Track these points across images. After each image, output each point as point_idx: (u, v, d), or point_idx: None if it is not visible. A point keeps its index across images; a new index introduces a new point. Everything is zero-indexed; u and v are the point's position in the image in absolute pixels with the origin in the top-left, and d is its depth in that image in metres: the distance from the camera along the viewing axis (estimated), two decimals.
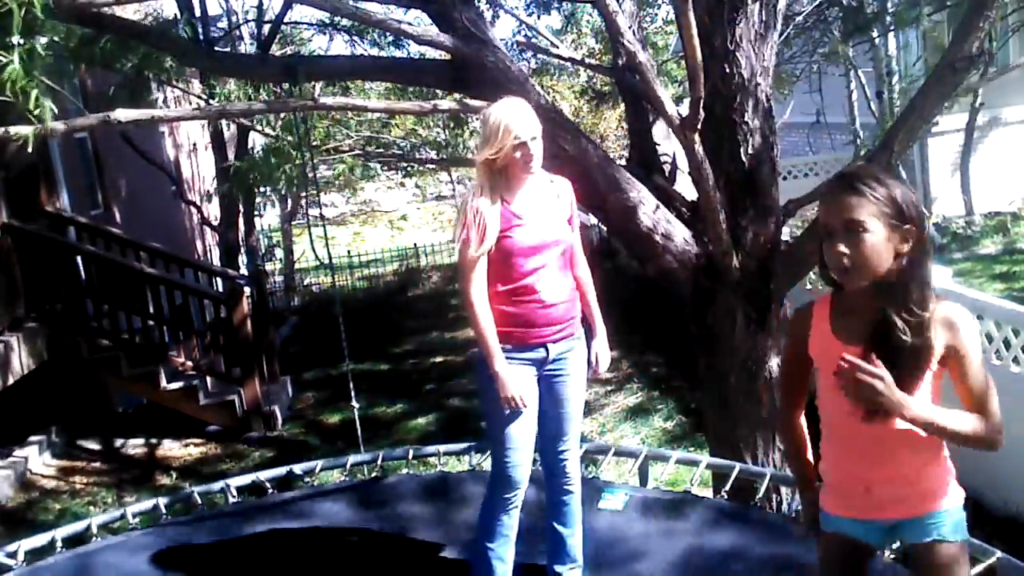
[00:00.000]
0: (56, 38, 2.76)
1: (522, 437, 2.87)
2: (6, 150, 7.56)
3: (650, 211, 4.10)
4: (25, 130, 3.04)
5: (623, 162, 4.67)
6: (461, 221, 2.79)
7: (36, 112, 2.84)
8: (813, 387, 2.14)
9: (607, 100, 13.90)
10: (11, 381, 7.01)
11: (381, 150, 8.73)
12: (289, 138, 5.29)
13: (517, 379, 2.80)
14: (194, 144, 14.31)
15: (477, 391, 2.90)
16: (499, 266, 2.81)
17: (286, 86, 5.37)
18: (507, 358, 2.79)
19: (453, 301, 14.25)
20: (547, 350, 2.87)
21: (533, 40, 9.89)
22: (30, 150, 3.13)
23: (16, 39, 2.75)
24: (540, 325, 2.85)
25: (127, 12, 4.90)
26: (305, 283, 17.44)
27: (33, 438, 7.96)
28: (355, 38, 10.70)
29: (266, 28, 10.64)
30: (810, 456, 2.28)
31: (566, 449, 3.00)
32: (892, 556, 2.90)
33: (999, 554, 2.85)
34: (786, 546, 3.09)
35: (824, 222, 1.93)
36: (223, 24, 11.29)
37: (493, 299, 2.82)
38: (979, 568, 2.81)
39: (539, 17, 11.58)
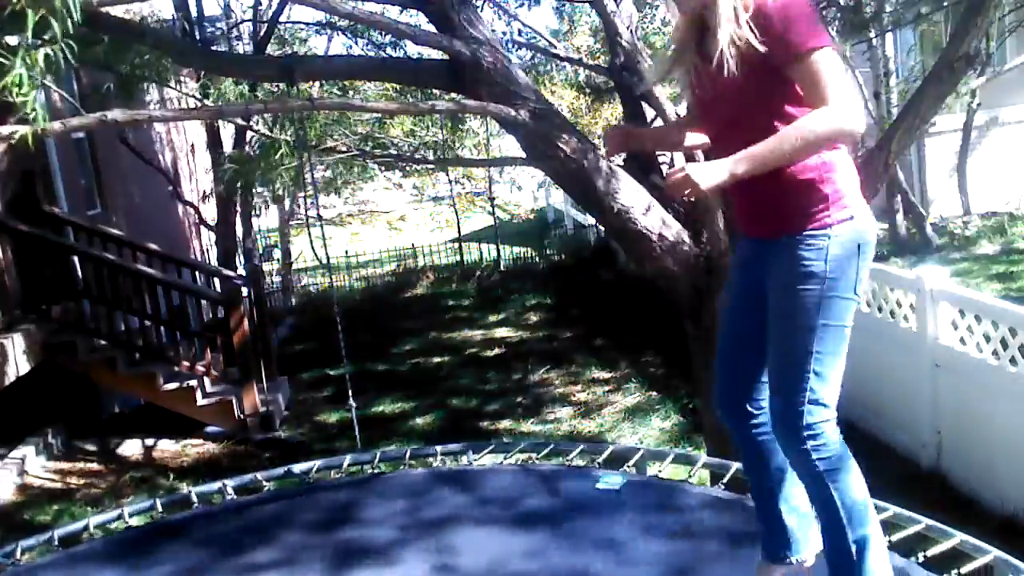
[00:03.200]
0: (68, 43, 2.73)
1: None
2: (3, 150, 7.56)
3: (648, 211, 4.11)
4: (22, 130, 3.04)
5: (621, 162, 4.67)
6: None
7: (32, 114, 2.84)
8: None
9: (604, 98, 13.90)
10: (8, 382, 6.99)
11: (379, 150, 8.73)
12: (284, 137, 5.29)
13: None
14: (192, 144, 14.31)
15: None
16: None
17: (283, 86, 5.36)
18: None
19: (451, 302, 14.25)
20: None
21: (532, 40, 9.90)
22: (31, 149, 3.13)
23: (19, 40, 2.75)
24: None
25: (118, 11, 4.89)
26: (303, 284, 17.44)
27: (30, 439, 7.95)
28: (353, 38, 10.71)
29: (263, 28, 10.70)
30: None
31: None
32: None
33: (995, 553, 2.86)
34: None
35: None
36: (221, 24, 11.30)
37: None
38: (975, 566, 2.82)
39: (529, 9, 11.60)
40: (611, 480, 3.62)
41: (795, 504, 2.48)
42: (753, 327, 2.33)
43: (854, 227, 2.20)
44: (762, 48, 2.07)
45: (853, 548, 2.27)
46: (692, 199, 2.04)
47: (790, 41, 2.04)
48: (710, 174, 2.04)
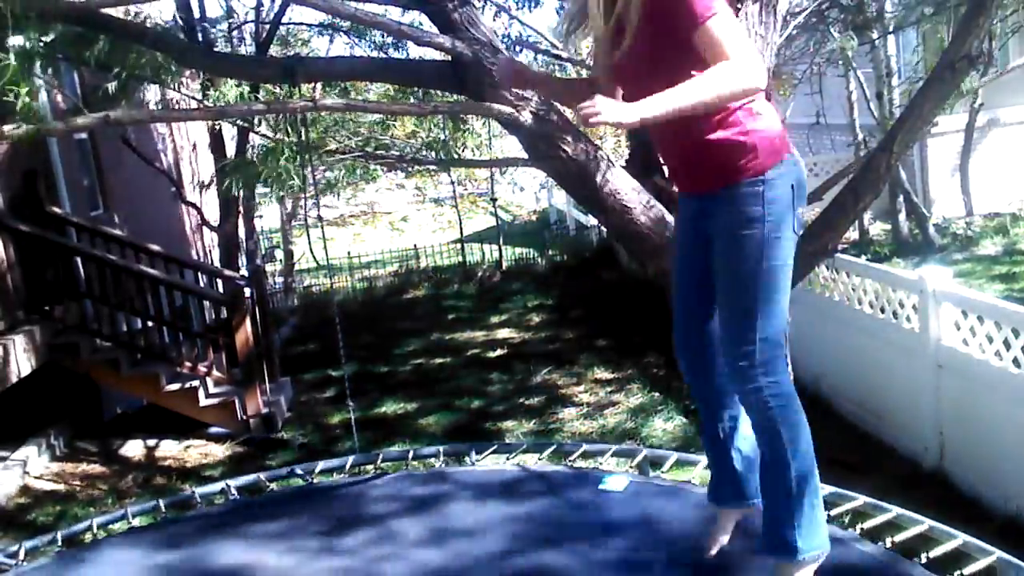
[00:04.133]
0: (45, 38, 2.75)
1: None
2: (6, 150, 7.56)
3: (649, 212, 4.10)
4: (23, 129, 3.04)
5: (623, 163, 4.67)
6: None
7: (31, 112, 2.84)
8: None
9: None
10: (10, 383, 7.00)
11: (381, 151, 8.74)
12: (286, 139, 5.29)
13: None
14: (194, 144, 14.32)
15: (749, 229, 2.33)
16: None
17: (285, 87, 5.37)
18: None
19: (453, 303, 14.25)
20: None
21: (533, 41, 9.89)
22: (26, 149, 3.14)
23: (14, 40, 2.75)
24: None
25: (117, 12, 4.89)
26: (305, 284, 17.45)
27: (33, 440, 7.96)
28: (356, 40, 10.71)
29: (265, 29, 10.70)
30: None
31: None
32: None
33: (998, 554, 2.85)
34: None
35: None
36: (223, 25, 11.30)
37: None
38: (978, 567, 2.81)
39: (530, 11, 11.58)
40: (614, 482, 3.62)
41: (746, 452, 2.62)
42: (703, 275, 2.47)
43: (786, 170, 2.33)
44: (668, 19, 2.22)
45: (793, 484, 2.37)
46: (594, 127, 2.20)
47: (693, 12, 2.17)
48: (620, 111, 2.09)
